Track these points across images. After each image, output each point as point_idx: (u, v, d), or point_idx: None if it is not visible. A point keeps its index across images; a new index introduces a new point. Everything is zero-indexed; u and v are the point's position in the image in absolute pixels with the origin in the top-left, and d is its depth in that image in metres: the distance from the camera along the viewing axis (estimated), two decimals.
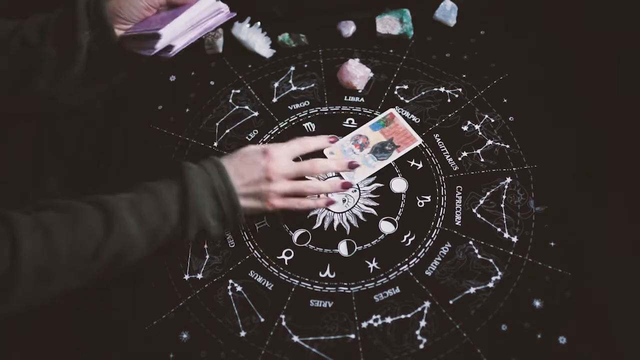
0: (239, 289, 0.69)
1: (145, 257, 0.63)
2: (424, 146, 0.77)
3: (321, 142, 0.74)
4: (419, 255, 0.69)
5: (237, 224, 0.67)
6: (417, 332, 0.63)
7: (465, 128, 0.78)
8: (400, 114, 0.80)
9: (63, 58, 0.67)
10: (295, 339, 0.65)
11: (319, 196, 0.72)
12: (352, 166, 0.73)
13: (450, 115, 0.79)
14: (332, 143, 0.74)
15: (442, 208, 0.72)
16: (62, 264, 0.56)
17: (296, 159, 0.71)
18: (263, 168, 0.66)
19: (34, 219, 0.56)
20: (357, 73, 0.82)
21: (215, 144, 0.80)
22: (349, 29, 0.89)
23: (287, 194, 0.68)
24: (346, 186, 0.71)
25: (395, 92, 0.82)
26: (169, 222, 0.61)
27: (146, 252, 0.62)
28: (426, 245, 0.69)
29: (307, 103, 0.83)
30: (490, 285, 0.65)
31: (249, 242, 0.72)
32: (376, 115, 0.80)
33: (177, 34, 0.69)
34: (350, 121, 0.81)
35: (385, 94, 0.82)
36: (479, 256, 0.67)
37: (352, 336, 0.64)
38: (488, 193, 0.72)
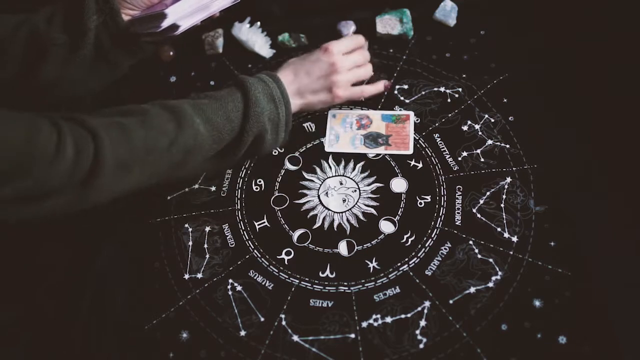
0: (239, 288, 0.69)
1: (215, 164, 0.69)
2: (424, 146, 0.77)
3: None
4: (419, 255, 0.69)
5: (286, 136, 0.73)
6: (417, 331, 0.63)
7: (465, 128, 0.78)
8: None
9: (71, 43, 0.68)
10: (295, 338, 0.65)
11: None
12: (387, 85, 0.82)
13: (450, 115, 0.79)
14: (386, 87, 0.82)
15: (442, 208, 0.72)
16: (139, 157, 0.60)
17: None
18: (328, 62, 0.74)
19: (109, 120, 0.60)
20: None
21: None
22: (349, 29, 0.89)
23: (351, 83, 0.77)
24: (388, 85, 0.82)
25: (395, 92, 0.82)
26: (231, 124, 0.66)
27: (212, 151, 0.66)
28: (426, 245, 0.69)
29: None
30: (490, 285, 0.65)
31: (249, 242, 0.72)
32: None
33: (183, 14, 0.69)
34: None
35: (386, 93, 0.82)
36: (479, 256, 0.67)
37: (352, 336, 0.64)
38: (488, 193, 0.72)
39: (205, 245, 0.72)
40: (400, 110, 0.81)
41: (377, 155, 0.77)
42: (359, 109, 0.81)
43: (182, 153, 0.63)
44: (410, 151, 0.77)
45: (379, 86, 0.79)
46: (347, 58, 0.76)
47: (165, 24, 0.68)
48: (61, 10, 0.68)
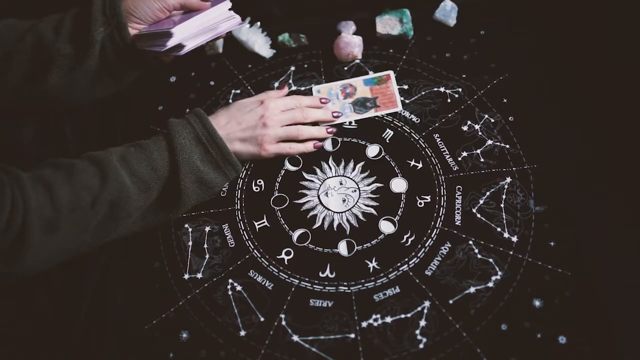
0: (238, 288, 0.69)
1: (161, 216, 0.69)
2: (424, 146, 0.77)
3: (322, 115, 0.79)
4: (419, 255, 0.69)
5: (235, 168, 0.71)
6: (417, 331, 0.63)
7: (465, 128, 0.78)
8: (400, 113, 0.80)
9: (77, 54, 0.68)
10: (295, 338, 0.65)
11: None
12: (336, 116, 0.79)
13: (450, 115, 0.79)
14: (329, 134, 0.79)
15: (442, 208, 0.72)
16: (65, 215, 0.59)
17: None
18: (259, 115, 0.73)
19: (35, 175, 0.60)
20: (355, 41, 0.85)
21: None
22: (349, 29, 0.89)
23: (280, 139, 0.75)
24: (330, 133, 0.78)
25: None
26: (157, 173, 0.65)
27: (144, 202, 0.65)
28: (426, 245, 0.69)
29: None
30: (490, 285, 0.65)
31: (249, 242, 0.72)
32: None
33: (188, 35, 0.70)
34: (350, 122, 0.81)
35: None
36: (479, 256, 0.67)
37: (352, 336, 0.64)
38: (488, 193, 0.72)
39: (205, 245, 0.72)
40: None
41: (378, 155, 0.77)
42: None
43: (107, 206, 0.62)
44: (400, 108, 0.80)
45: (308, 146, 0.77)
46: (282, 114, 0.75)
47: (171, 43, 0.69)
48: (68, 21, 0.68)
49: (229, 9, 0.75)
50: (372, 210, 0.73)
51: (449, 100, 0.81)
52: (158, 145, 0.67)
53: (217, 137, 0.69)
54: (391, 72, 0.83)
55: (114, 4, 0.68)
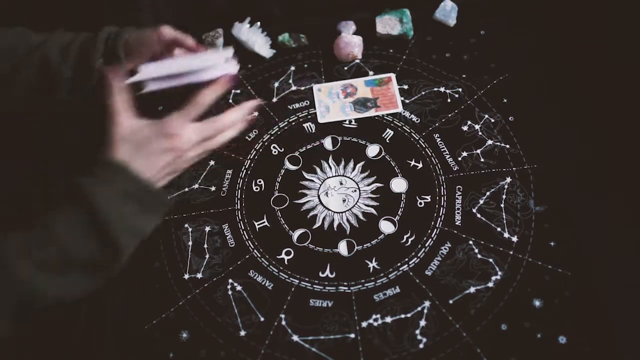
0: (238, 288, 0.69)
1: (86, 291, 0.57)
2: (424, 146, 0.77)
3: (234, 116, 0.64)
4: (419, 255, 0.69)
5: (166, 204, 0.59)
6: (417, 331, 0.63)
7: (465, 128, 0.78)
8: (400, 113, 0.80)
9: (78, 79, 0.68)
10: (295, 338, 0.65)
11: None
12: (253, 107, 0.65)
13: (450, 115, 0.79)
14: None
15: (442, 208, 0.72)
16: None
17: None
18: (169, 149, 0.58)
19: None
20: (355, 41, 0.85)
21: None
22: (349, 29, 0.89)
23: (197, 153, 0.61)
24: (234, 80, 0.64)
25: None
26: (70, 255, 0.53)
27: (69, 290, 0.56)
28: (426, 245, 0.69)
29: (307, 103, 0.83)
30: (490, 285, 0.65)
31: (249, 242, 0.72)
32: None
33: (156, 75, 0.64)
34: (350, 121, 0.81)
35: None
36: (479, 256, 0.67)
37: (352, 336, 0.64)
38: (488, 193, 0.72)
39: (205, 245, 0.72)
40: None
41: (378, 155, 0.77)
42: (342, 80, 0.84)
43: (12, 308, 0.53)
44: (400, 109, 0.79)
45: (236, 127, 0.64)
46: (194, 134, 0.61)
47: (132, 79, 0.62)
48: (75, 46, 0.68)
49: (228, 58, 0.65)
50: (372, 210, 0.73)
51: (449, 100, 0.81)
52: (70, 221, 0.54)
53: (146, 184, 0.57)
54: (392, 75, 0.83)
55: (117, 38, 0.68)
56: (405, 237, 0.70)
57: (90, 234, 0.54)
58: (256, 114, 0.71)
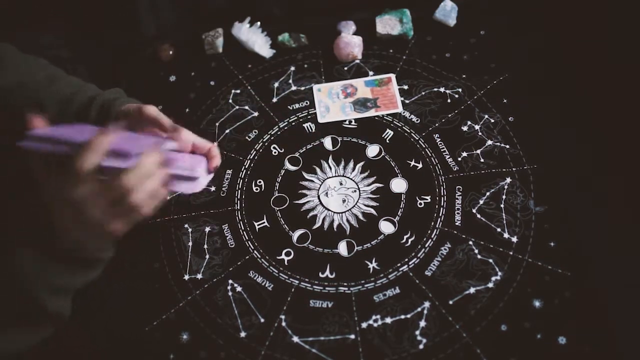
0: (238, 289, 0.69)
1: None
2: (424, 146, 0.77)
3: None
4: (418, 255, 0.69)
5: (101, 260, 0.56)
6: (417, 332, 0.63)
7: (465, 128, 0.78)
8: (400, 113, 0.80)
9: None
10: (295, 339, 0.65)
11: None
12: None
13: (450, 115, 0.79)
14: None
15: (442, 208, 0.72)
16: None
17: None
18: (96, 193, 0.51)
19: None
20: (355, 41, 0.85)
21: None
22: (349, 29, 0.89)
23: (153, 194, 0.55)
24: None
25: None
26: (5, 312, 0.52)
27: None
28: (426, 246, 0.69)
29: (307, 103, 0.83)
30: (490, 285, 0.65)
31: (249, 242, 0.72)
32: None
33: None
34: (350, 121, 0.81)
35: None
36: (479, 256, 0.67)
37: (352, 336, 0.64)
38: (488, 193, 0.72)
39: (205, 246, 0.72)
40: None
41: (378, 155, 0.77)
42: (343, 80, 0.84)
43: None
44: (400, 109, 0.80)
45: (162, 193, 0.56)
46: (139, 182, 0.53)
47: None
48: (72, 109, 0.68)
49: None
50: (372, 211, 0.73)
51: (449, 101, 0.80)
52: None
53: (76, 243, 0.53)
54: (392, 75, 0.83)
55: (110, 107, 0.66)
56: (405, 237, 0.70)
57: (10, 289, 0.52)
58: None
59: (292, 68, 0.87)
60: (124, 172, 0.52)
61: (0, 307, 0.52)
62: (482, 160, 0.75)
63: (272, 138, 0.81)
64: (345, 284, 0.68)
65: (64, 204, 0.52)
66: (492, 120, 0.78)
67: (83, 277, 0.55)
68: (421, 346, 0.62)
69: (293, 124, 0.82)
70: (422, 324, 0.64)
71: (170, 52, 0.91)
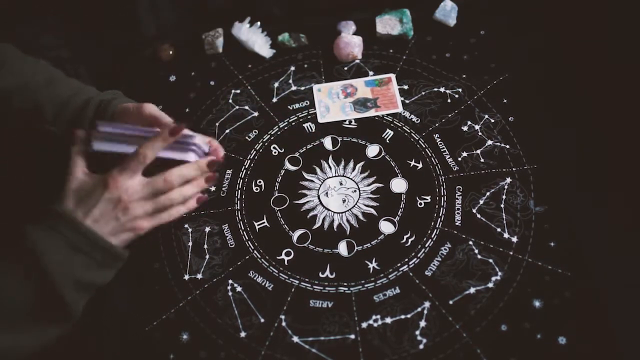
0: (238, 289, 0.69)
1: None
2: (424, 146, 0.77)
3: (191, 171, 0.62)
4: (419, 255, 0.69)
5: (123, 259, 0.60)
6: (417, 332, 0.63)
7: (465, 128, 0.78)
8: (400, 113, 0.80)
9: (65, 137, 0.66)
10: (295, 339, 0.65)
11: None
12: (211, 165, 0.64)
13: (450, 115, 0.79)
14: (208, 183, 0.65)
15: (442, 208, 0.72)
16: None
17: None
18: (111, 200, 0.57)
19: None
20: (355, 41, 0.85)
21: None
22: (349, 29, 0.89)
23: (153, 212, 0.60)
24: (210, 180, 0.64)
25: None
26: (25, 308, 0.53)
27: (17, 345, 0.54)
28: (426, 246, 0.69)
29: (307, 103, 0.83)
30: (490, 285, 0.65)
31: (249, 242, 0.72)
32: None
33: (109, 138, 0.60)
34: (350, 121, 0.81)
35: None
36: (479, 256, 0.67)
37: (352, 336, 0.64)
38: (488, 193, 0.72)
39: (205, 246, 0.72)
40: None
41: (378, 155, 0.77)
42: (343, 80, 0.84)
43: None
44: (400, 109, 0.80)
45: (190, 204, 0.63)
46: (142, 189, 0.59)
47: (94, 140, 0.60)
48: (68, 112, 0.68)
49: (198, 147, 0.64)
50: (372, 211, 0.73)
51: (449, 101, 0.80)
52: (15, 276, 0.53)
53: (97, 237, 0.56)
54: (392, 75, 0.83)
55: (106, 107, 0.67)
56: (405, 237, 0.70)
57: (33, 285, 0.53)
58: (206, 195, 0.66)
59: (292, 68, 0.87)
60: (169, 170, 0.60)
61: (24, 301, 0.53)
62: (482, 160, 0.75)
63: (272, 138, 0.81)
64: (345, 284, 0.68)
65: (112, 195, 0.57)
66: (492, 120, 0.78)
67: (102, 276, 0.58)
68: (421, 346, 0.62)
69: (293, 124, 0.82)
70: (422, 324, 0.64)
71: (170, 52, 0.91)
